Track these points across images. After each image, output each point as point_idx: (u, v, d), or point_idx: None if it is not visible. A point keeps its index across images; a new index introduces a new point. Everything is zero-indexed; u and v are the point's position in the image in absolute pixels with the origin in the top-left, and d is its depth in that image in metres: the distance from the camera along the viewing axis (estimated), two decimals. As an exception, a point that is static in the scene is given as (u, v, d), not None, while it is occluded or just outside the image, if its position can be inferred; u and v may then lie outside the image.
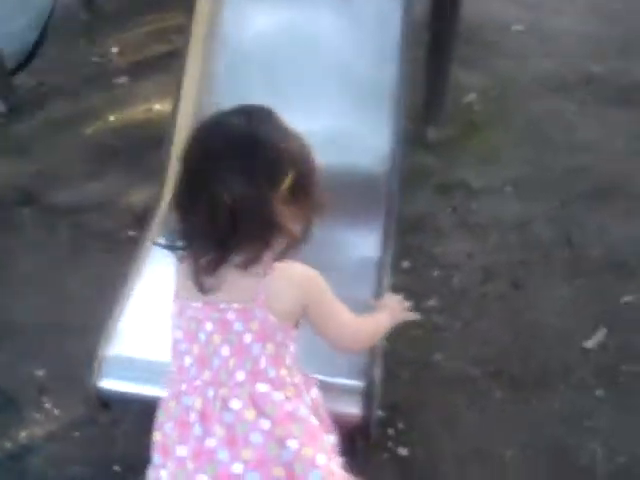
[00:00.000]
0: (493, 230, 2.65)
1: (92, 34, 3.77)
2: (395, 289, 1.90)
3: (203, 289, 1.31)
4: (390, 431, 2.03)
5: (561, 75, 3.40)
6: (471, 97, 3.26)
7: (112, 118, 3.22)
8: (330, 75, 2.33)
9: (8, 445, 2.05)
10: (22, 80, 3.47)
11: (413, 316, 1.69)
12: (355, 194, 2.10)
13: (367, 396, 1.71)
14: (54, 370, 2.24)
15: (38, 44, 3.72)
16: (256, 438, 1.28)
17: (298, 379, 1.39)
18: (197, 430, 1.31)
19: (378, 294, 1.90)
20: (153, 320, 1.91)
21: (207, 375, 1.34)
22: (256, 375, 1.32)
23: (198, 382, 1.34)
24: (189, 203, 1.27)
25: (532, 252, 2.57)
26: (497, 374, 2.17)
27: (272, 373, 1.33)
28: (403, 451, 1.99)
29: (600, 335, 2.26)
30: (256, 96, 2.34)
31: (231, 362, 1.32)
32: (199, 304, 1.34)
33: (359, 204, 2.08)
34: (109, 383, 1.80)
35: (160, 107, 3.27)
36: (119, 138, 3.11)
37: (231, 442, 1.28)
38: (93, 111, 3.27)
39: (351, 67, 2.31)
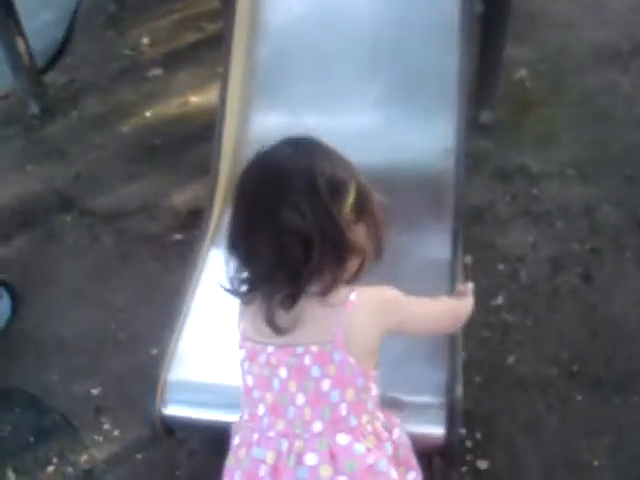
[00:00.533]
0: (557, 217, 2.50)
1: (121, 26, 3.63)
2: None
3: (279, 330, 1.22)
4: (468, 443, 1.92)
5: (615, 45, 3.20)
6: (522, 73, 3.08)
7: (148, 114, 3.10)
8: (381, 65, 2.18)
9: (69, 470, 1.98)
10: (52, 78, 3.35)
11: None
12: (418, 193, 1.97)
13: (450, 414, 1.59)
14: (109, 388, 2.16)
15: (66, 40, 3.61)
16: None
17: (380, 424, 1.31)
18: None
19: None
20: (215, 339, 1.82)
21: (281, 425, 1.25)
22: (335, 425, 1.24)
23: (271, 433, 1.26)
24: (251, 241, 1.20)
25: (601, 239, 2.42)
26: (576, 375, 2.05)
27: (354, 422, 1.25)
28: (483, 464, 1.88)
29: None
30: (303, 91, 2.28)
31: (307, 411, 1.24)
32: (272, 348, 1.25)
33: (424, 203, 1.95)
34: (173, 409, 1.70)
35: (196, 100, 3.14)
36: (156, 135, 2.99)
37: None
38: (128, 107, 3.14)
39: (404, 53, 2.17)
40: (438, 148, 2.00)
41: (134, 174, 2.85)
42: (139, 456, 1.98)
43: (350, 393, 1.24)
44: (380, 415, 1.32)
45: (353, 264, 1.24)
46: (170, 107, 3.13)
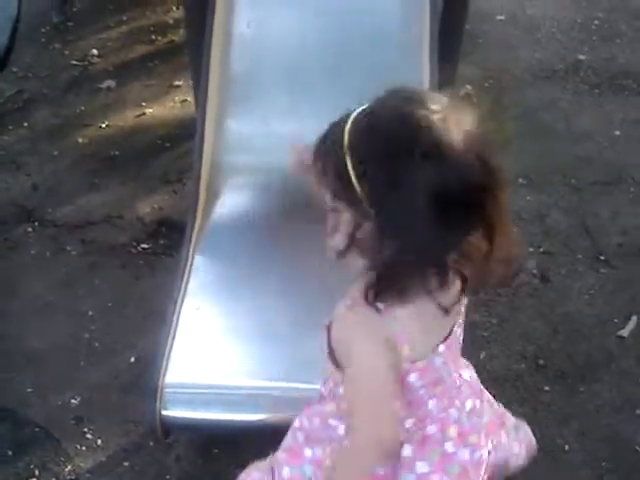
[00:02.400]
0: (513, 223, 2.65)
1: (66, 37, 3.59)
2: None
3: (447, 309, 1.14)
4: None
5: (551, 64, 3.44)
6: (466, 89, 3.25)
7: (104, 126, 3.08)
8: (352, 78, 2.27)
9: (54, 482, 1.95)
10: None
11: None
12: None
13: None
14: (89, 397, 2.13)
15: (8, 50, 3.53)
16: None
17: None
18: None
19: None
20: (207, 341, 1.86)
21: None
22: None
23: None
24: (400, 214, 1.01)
25: (553, 242, 2.59)
26: (543, 368, 2.19)
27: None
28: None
29: (632, 323, 2.30)
30: (276, 101, 2.34)
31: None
32: (442, 347, 1.19)
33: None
34: (172, 412, 1.72)
35: (153, 112, 3.15)
36: (114, 146, 2.98)
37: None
38: (82, 118, 3.12)
39: (375, 67, 2.27)
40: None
41: (94, 185, 2.83)
42: (126, 464, 1.97)
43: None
44: None
45: None
46: (126, 119, 3.12)
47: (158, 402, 1.71)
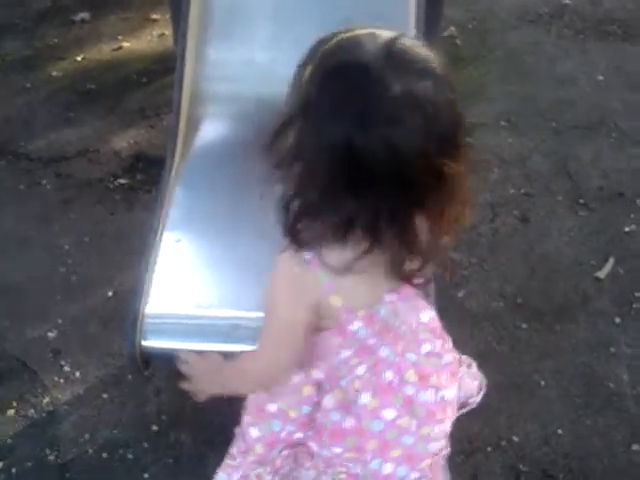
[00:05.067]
0: (494, 165, 2.66)
1: (38, -35, 3.46)
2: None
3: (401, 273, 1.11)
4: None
5: (535, 8, 3.40)
6: (451, 30, 3.21)
7: (79, 59, 2.99)
8: (339, 10, 2.22)
9: (32, 413, 1.93)
10: (-32, 17, 3.18)
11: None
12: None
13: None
14: (66, 331, 2.12)
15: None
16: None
17: None
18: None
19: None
20: (186, 274, 1.84)
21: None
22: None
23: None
24: (368, 182, 0.98)
25: (534, 185, 2.59)
26: (521, 307, 2.21)
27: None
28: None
29: (609, 265, 2.32)
30: (259, 30, 2.28)
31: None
32: (391, 297, 1.16)
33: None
34: (152, 342, 1.71)
35: (129, 45, 3.07)
36: (90, 80, 2.90)
37: None
38: (56, 51, 3.03)
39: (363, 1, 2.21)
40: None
41: (70, 118, 2.77)
42: (104, 396, 1.96)
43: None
44: None
45: None
46: (102, 52, 3.04)
47: (138, 332, 1.69)
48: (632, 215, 2.49)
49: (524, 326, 2.16)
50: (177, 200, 1.96)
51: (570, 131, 2.79)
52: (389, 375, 1.20)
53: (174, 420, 1.90)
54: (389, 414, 1.22)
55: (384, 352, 1.19)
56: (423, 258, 1.10)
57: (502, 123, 2.81)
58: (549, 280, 2.28)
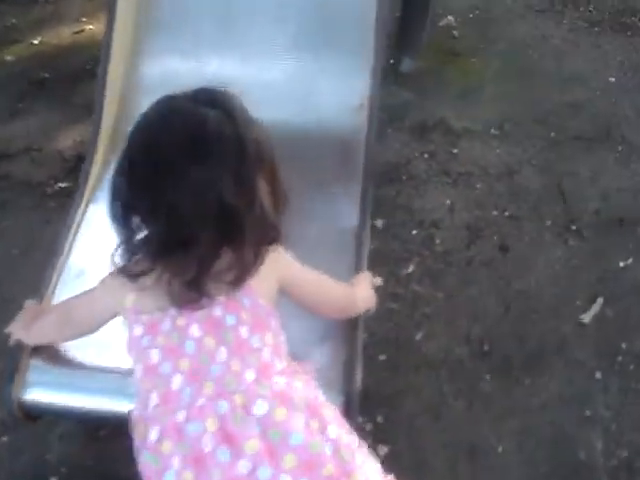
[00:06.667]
0: (477, 179, 2.36)
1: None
2: (369, 252, 1.68)
3: (185, 301, 1.15)
4: (368, 426, 1.78)
5: (549, -6, 3.04)
6: (449, 20, 2.89)
7: (36, 42, 2.76)
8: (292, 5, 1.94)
9: None
10: None
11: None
12: (326, 150, 1.77)
13: (347, 408, 1.44)
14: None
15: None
16: (296, 439, 1.09)
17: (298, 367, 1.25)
18: (221, 456, 1.08)
19: (358, 266, 1.66)
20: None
21: (209, 388, 1.12)
22: (265, 370, 1.16)
23: (201, 401, 1.11)
24: (152, 209, 1.11)
25: (521, 205, 2.29)
26: (487, 354, 1.93)
27: (279, 365, 1.18)
28: (383, 449, 1.75)
29: (597, 306, 2.03)
30: (204, 31, 2.01)
31: (234, 363, 1.14)
32: (175, 310, 1.16)
33: (330, 166, 1.76)
34: (35, 394, 1.49)
35: (92, 28, 2.82)
36: (45, 67, 2.67)
37: (269, 453, 1.07)
38: (12, 33, 2.80)
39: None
40: (349, 102, 1.79)
41: (18, 110, 2.55)
42: (4, 439, 1.76)
43: (269, 337, 1.19)
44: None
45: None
46: (62, 36, 2.80)
47: (17, 383, 1.47)
48: (630, 246, 2.18)
49: (487, 377, 1.88)
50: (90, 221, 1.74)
51: (570, 142, 2.48)
52: (180, 416, 1.13)
53: (74, 472, 1.69)
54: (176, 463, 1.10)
55: (177, 385, 1.15)
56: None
57: (493, 131, 2.50)
58: (524, 321, 2.00)
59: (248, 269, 1.15)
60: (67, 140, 2.43)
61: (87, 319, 1.33)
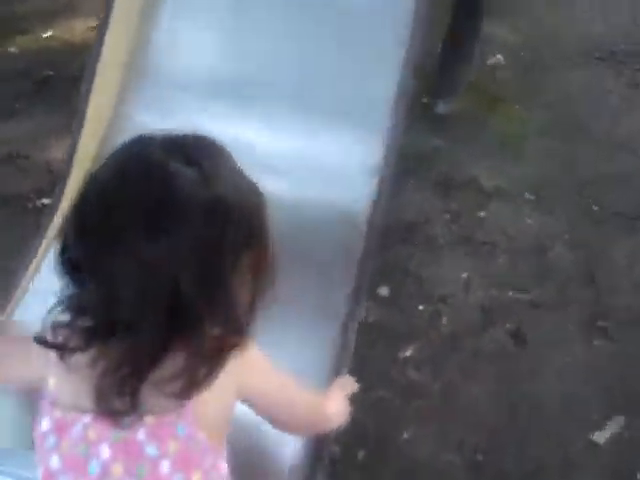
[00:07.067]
0: (502, 251, 2.10)
1: None
2: (368, 325, 1.54)
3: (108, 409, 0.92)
4: None
5: (610, 42, 2.74)
6: (497, 59, 2.61)
7: (45, 35, 2.57)
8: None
9: None
10: None
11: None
12: (324, 232, 1.55)
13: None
14: None
15: None
16: None
17: None
18: None
19: (339, 367, 1.45)
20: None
21: None
22: None
23: None
24: (92, 275, 0.89)
25: (546, 288, 2.04)
26: (480, 466, 1.70)
27: None
28: None
29: (615, 425, 1.78)
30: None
31: None
32: (90, 418, 0.94)
33: (328, 246, 1.53)
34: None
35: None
36: (52, 63, 2.50)
37: None
38: (22, 23, 2.65)
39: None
40: (354, 183, 1.56)
41: (15, 111, 2.36)
42: None
43: (197, 477, 0.96)
44: None
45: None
46: (75, 31, 2.60)
47: None
48: (663, 353, 1.91)
49: (478, 496, 1.66)
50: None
51: (611, 219, 2.21)
52: None
53: None
54: None
55: None
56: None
57: (527, 195, 2.24)
58: (526, 432, 1.76)
59: (198, 381, 0.92)
60: (58, 150, 2.22)
61: (16, 371, 1.09)
